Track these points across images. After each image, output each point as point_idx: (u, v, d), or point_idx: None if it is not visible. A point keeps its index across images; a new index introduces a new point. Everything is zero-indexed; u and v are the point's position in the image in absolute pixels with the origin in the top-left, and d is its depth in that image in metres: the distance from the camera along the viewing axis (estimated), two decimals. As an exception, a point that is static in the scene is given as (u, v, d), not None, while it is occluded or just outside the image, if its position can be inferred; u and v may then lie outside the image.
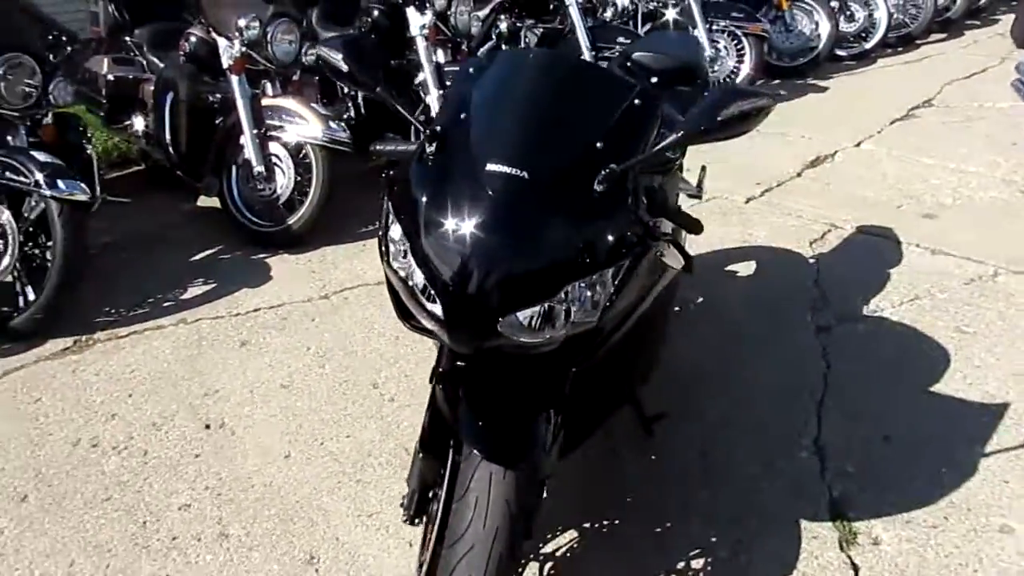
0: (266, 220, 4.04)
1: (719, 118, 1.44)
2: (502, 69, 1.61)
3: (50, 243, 3.21)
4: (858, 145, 5.28)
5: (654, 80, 2.58)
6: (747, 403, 2.68)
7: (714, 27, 6.21)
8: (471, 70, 1.64)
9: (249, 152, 3.92)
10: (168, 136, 4.19)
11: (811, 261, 3.69)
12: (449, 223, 1.42)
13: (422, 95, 4.52)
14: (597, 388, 1.79)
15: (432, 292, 1.43)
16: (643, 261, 1.51)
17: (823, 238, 3.93)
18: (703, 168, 2.67)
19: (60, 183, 3.21)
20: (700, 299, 3.34)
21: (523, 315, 1.41)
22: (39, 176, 3.20)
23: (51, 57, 3.59)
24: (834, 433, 2.52)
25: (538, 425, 1.54)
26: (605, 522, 2.17)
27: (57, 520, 2.29)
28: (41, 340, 3.24)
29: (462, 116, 1.54)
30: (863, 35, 7.50)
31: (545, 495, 1.63)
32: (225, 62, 3.92)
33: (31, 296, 3.26)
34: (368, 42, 3.45)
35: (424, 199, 1.46)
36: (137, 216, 4.29)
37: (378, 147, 1.75)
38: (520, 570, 1.77)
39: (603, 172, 1.43)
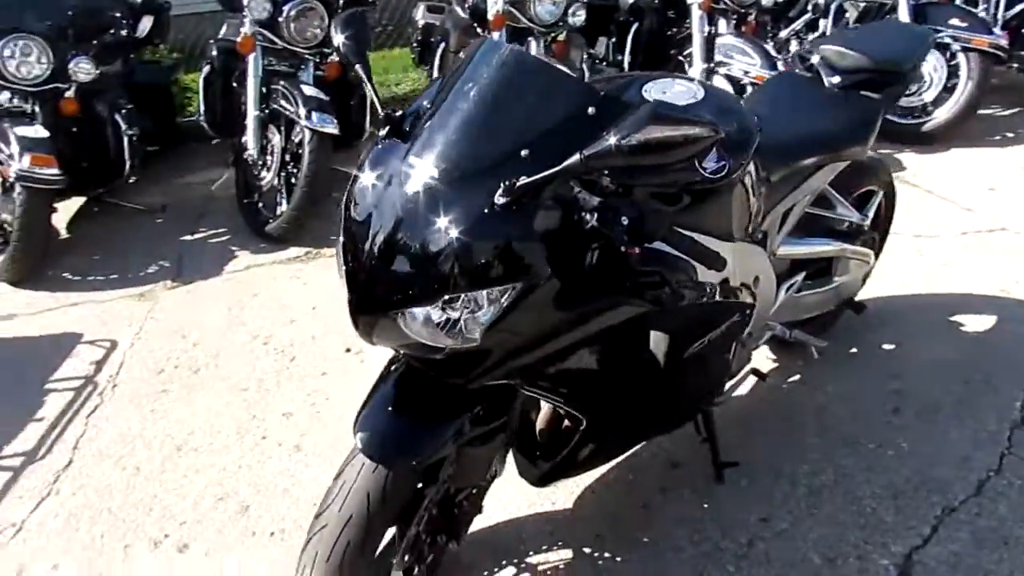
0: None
1: (631, 141, 1.22)
2: (473, 60, 1.52)
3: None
4: None
5: (834, 80, 2.20)
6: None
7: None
8: (471, 53, 1.58)
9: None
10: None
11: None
12: (361, 211, 1.42)
13: (686, 68, 4.30)
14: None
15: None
16: (548, 288, 1.36)
17: None
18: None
19: (314, 116, 3.71)
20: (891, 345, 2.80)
21: (413, 316, 1.37)
22: (301, 108, 3.73)
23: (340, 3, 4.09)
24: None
25: (432, 434, 1.49)
26: (607, 555, 2.01)
27: (203, 395, 2.76)
28: (285, 246, 3.83)
29: (423, 103, 1.51)
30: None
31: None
32: (490, 15, 4.11)
33: (283, 207, 3.86)
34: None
35: (352, 184, 1.47)
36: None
37: None
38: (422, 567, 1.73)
39: (504, 184, 1.30)
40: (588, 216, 1.39)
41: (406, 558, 1.65)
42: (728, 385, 2.14)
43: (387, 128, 1.49)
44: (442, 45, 4.51)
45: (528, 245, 1.33)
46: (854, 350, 2.75)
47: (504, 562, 2.00)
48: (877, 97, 2.23)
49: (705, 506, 2.13)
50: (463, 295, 1.32)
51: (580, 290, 1.43)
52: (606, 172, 1.47)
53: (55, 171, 3.58)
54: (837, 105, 2.20)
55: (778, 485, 2.19)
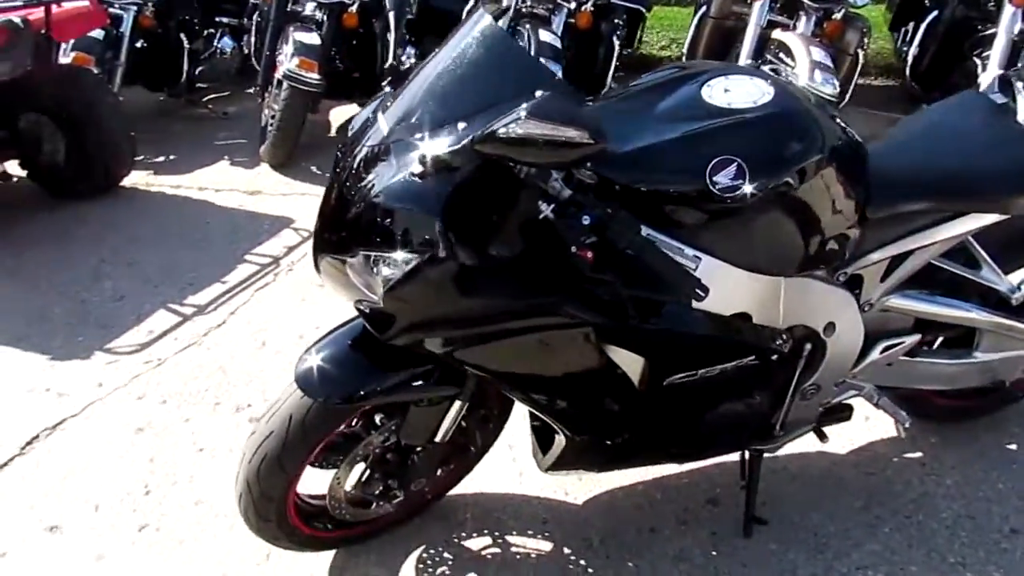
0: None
1: (500, 134, 1.13)
2: (460, 30, 1.46)
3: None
4: None
5: None
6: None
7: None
8: (462, 23, 1.53)
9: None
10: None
11: None
12: (339, 156, 1.49)
13: (979, 72, 3.62)
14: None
15: None
16: (452, 266, 1.30)
17: None
18: None
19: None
20: None
21: (350, 264, 1.41)
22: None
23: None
24: None
25: (360, 381, 1.52)
26: (583, 563, 1.91)
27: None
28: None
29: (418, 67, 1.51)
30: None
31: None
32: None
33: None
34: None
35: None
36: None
37: None
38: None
39: (421, 155, 1.27)
40: (544, 206, 1.31)
41: (347, 485, 1.73)
42: (784, 435, 1.88)
43: (390, 80, 1.52)
44: (703, 8, 4.26)
45: (433, 221, 1.29)
46: (1013, 446, 2.23)
47: (484, 530, 1.99)
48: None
49: (714, 554, 1.92)
50: (372, 253, 1.33)
51: (507, 279, 1.36)
52: (588, 166, 1.37)
53: (316, 76, 4.06)
54: (1011, 143, 1.74)
55: (809, 564, 1.89)
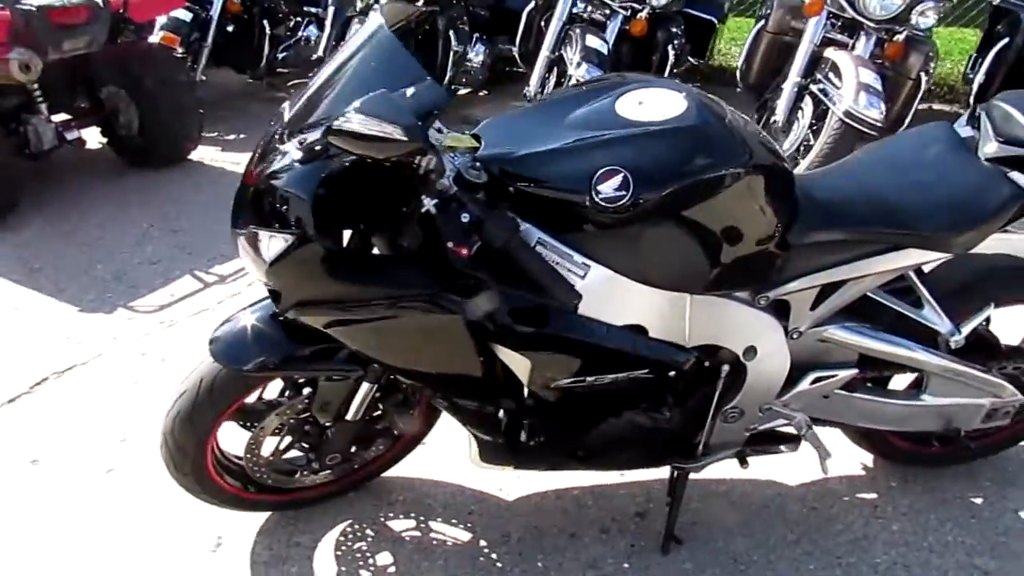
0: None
1: (334, 127, 1.19)
2: (360, 30, 1.51)
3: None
4: None
5: (989, 147, 1.72)
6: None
7: None
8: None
9: (779, 103, 3.73)
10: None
11: None
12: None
13: None
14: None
15: None
16: (315, 249, 1.38)
17: None
18: None
19: (584, 66, 3.78)
20: None
21: (243, 239, 1.50)
22: (576, 56, 3.83)
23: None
24: None
25: (262, 353, 1.61)
26: (494, 556, 1.95)
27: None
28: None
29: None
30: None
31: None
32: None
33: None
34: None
35: None
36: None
37: None
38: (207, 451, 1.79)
39: (299, 141, 1.35)
40: (428, 201, 1.37)
41: (265, 450, 1.83)
42: (707, 456, 1.86)
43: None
44: (760, 22, 4.16)
45: (305, 204, 1.36)
46: (978, 499, 2.11)
47: (412, 513, 2.06)
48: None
49: (626, 566, 1.92)
50: (257, 231, 1.42)
51: (381, 267, 1.42)
52: (475, 164, 1.42)
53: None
54: (963, 179, 1.65)
55: (724, 589, 1.86)
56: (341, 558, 1.93)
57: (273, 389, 1.84)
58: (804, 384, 1.78)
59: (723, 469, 2.09)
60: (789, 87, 3.73)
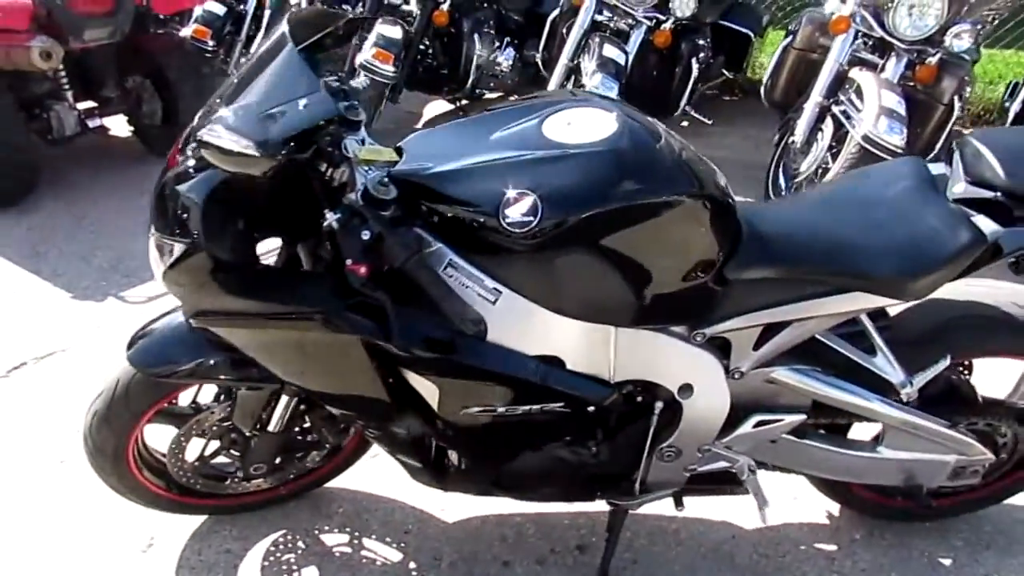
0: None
1: (198, 138, 1.19)
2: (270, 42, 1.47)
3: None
4: None
5: (957, 187, 1.60)
6: None
7: None
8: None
9: (800, 123, 3.59)
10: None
11: None
12: None
13: None
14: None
15: None
16: (204, 259, 1.35)
17: None
18: None
19: (598, 76, 3.69)
20: None
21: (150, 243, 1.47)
22: (591, 65, 3.75)
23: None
24: None
25: (174, 360, 1.59)
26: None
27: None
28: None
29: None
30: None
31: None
32: (827, 9, 3.57)
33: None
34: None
35: None
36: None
37: None
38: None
39: (195, 148, 1.31)
40: (330, 215, 1.32)
41: (184, 454, 1.81)
42: (645, 495, 1.77)
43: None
44: (788, 38, 4.00)
45: (196, 211, 1.33)
46: (946, 560, 1.97)
47: (348, 527, 2.02)
48: (993, 232, 1.50)
49: (555, 602, 1.85)
50: (157, 235, 1.39)
51: (277, 280, 1.38)
52: (384, 180, 1.37)
53: (390, 68, 4.19)
54: (923, 221, 1.53)
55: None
56: (267, 568, 1.90)
57: (210, 393, 1.83)
58: (747, 427, 1.68)
59: (670, 506, 2.01)
60: (811, 107, 3.57)
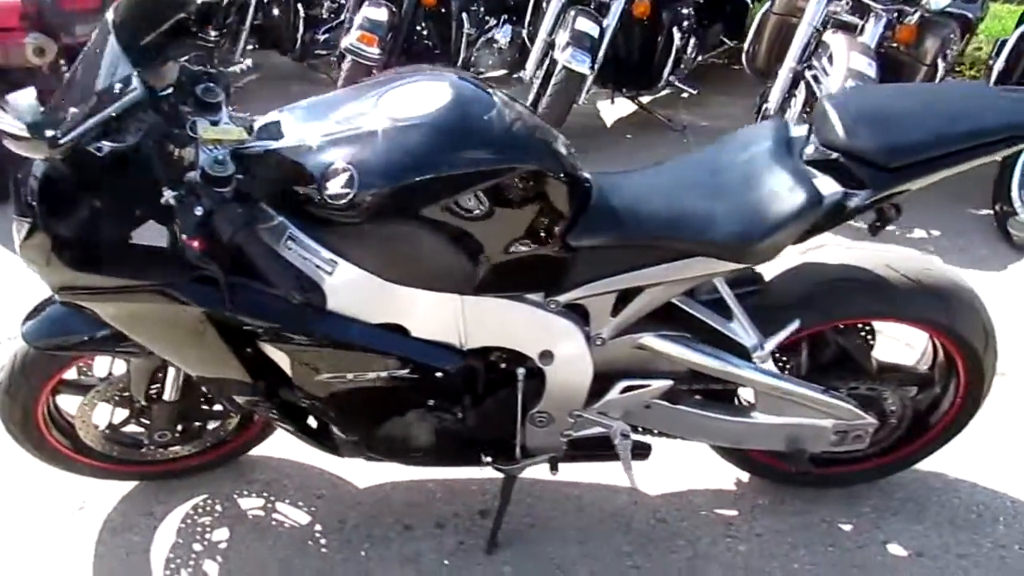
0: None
1: None
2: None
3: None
4: None
5: (809, 149, 1.60)
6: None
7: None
8: None
9: (774, 89, 3.53)
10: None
11: None
12: None
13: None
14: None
15: None
16: (44, 237, 1.42)
17: None
18: None
19: (569, 50, 3.69)
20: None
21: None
22: (564, 39, 3.74)
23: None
24: None
25: (62, 333, 1.68)
26: (323, 541, 1.98)
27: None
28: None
29: None
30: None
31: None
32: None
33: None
34: None
35: None
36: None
37: None
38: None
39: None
40: (168, 192, 1.40)
41: (90, 422, 1.92)
42: (526, 460, 1.82)
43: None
44: (769, 3, 3.91)
45: (33, 189, 1.40)
46: (847, 527, 1.95)
47: (264, 493, 2.11)
48: (832, 194, 1.48)
49: (446, 563, 1.90)
50: (14, 216, 1.48)
51: (116, 256, 1.46)
52: (219, 158, 1.43)
53: (375, 51, 4.25)
54: (769, 184, 1.51)
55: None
56: (182, 531, 2.01)
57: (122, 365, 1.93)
58: (614, 392, 1.71)
59: (582, 472, 2.05)
60: (784, 72, 3.51)
